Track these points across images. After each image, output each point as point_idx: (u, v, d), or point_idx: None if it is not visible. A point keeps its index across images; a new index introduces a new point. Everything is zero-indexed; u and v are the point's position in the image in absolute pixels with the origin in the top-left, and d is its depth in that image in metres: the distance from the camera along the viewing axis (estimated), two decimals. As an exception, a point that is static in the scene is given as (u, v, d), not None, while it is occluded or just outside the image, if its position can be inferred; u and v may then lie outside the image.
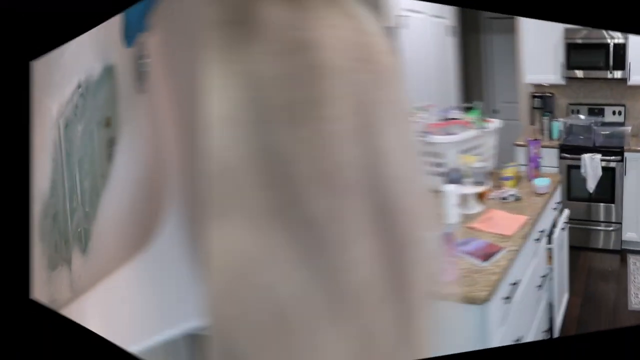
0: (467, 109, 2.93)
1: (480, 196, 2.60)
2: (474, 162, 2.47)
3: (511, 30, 5.72)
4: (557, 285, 2.62)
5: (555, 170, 4.33)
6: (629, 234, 4.22)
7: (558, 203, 2.93)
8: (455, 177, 2.41)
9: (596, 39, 4.25)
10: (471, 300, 1.55)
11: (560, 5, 1.15)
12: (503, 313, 1.78)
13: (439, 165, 2.58)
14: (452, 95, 5.19)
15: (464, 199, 2.48)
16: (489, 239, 2.04)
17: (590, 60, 4.32)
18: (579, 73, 4.43)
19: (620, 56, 4.16)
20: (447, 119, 2.75)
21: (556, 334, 2.64)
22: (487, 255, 1.85)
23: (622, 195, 4.18)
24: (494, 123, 2.95)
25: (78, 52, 1.05)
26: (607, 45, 4.18)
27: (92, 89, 1.00)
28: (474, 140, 2.70)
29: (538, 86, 4.89)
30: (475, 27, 6.13)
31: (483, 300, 1.55)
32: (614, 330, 2.53)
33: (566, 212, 2.95)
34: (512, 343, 1.88)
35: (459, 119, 2.74)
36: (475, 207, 2.43)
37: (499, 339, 1.69)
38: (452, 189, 2.23)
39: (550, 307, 2.74)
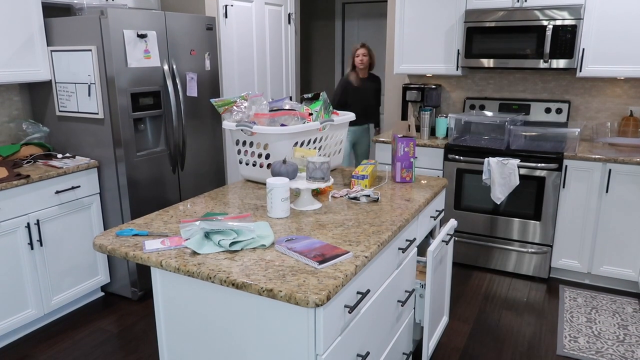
0: (311, 100, 2.60)
1: (320, 193, 2.30)
2: (313, 156, 2.13)
3: (381, 15, 5.65)
4: (430, 304, 2.24)
5: (439, 173, 3.73)
6: (563, 261, 3.48)
7: (439, 211, 2.56)
8: (283, 170, 2.09)
9: (523, 21, 3.42)
10: (296, 302, 1.37)
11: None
12: (344, 322, 1.58)
13: (265, 156, 2.38)
14: (293, 84, 4.94)
15: (296, 194, 2.25)
16: (330, 241, 1.73)
17: (509, 46, 3.50)
18: (486, 62, 3.63)
19: (564, 42, 3.34)
20: (278, 110, 2.44)
21: (425, 359, 2.24)
22: (323, 257, 1.54)
23: (554, 212, 3.38)
24: (344, 116, 2.67)
25: None
26: (542, 28, 3.37)
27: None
28: (310, 132, 2.43)
29: (417, 77, 4.35)
30: (328, 13, 5.99)
31: (313, 304, 1.35)
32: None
33: (452, 222, 2.51)
34: (354, 356, 1.70)
35: (293, 109, 2.44)
36: (312, 204, 2.11)
37: (330, 348, 1.50)
38: (276, 181, 1.93)
39: (420, 329, 2.39)
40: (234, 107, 2.44)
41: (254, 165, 2.46)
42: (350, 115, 2.71)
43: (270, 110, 2.45)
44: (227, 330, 1.59)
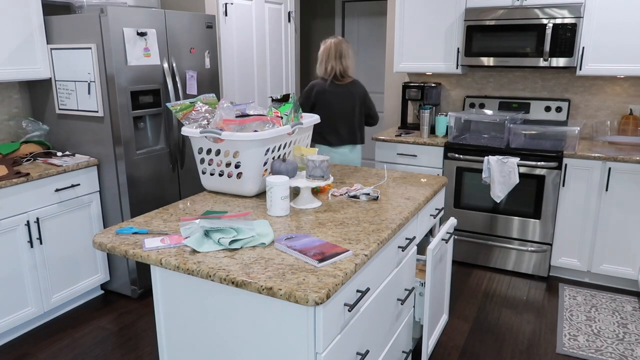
0: (280, 101, 2.38)
1: (320, 191, 2.30)
2: (313, 155, 2.13)
3: (381, 14, 5.64)
4: (429, 303, 2.24)
5: (439, 171, 3.71)
6: (563, 259, 3.48)
7: (438, 210, 2.55)
8: (283, 169, 2.10)
9: (523, 20, 3.42)
10: (296, 300, 1.36)
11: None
12: (343, 321, 1.58)
13: (235, 165, 2.16)
14: (293, 82, 4.92)
15: (296, 192, 2.24)
16: (330, 239, 1.73)
17: (509, 45, 3.49)
18: (486, 60, 3.63)
19: (564, 40, 3.33)
20: (247, 116, 2.26)
21: (425, 357, 2.24)
22: (323, 255, 1.54)
23: (554, 210, 3.40)
24: (310, 118, 2.48)
25: None
26: (542, 26, 3.37)
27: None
28: (282, 137, 2.23)
29: (417, 75, 4.34)
30: (328, 11, 5.98)
31: (313, 302, 1.35)
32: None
33: (451, 221, 2.50)
34: (354, 355, 1.71)
35: (262, 115, 2.27)
36: (311, 203, 2.10)
37: (330, 346, 1.50)
38: (276, 180, 1.93)
39: (420, 328, 2.39)
40: (193, 112, 2.26)
41: (220, 175, 2.23)
42: (315, 118, 2.51)
43: (239, 117, 2.24)
44: (226, 329, 1.59)
